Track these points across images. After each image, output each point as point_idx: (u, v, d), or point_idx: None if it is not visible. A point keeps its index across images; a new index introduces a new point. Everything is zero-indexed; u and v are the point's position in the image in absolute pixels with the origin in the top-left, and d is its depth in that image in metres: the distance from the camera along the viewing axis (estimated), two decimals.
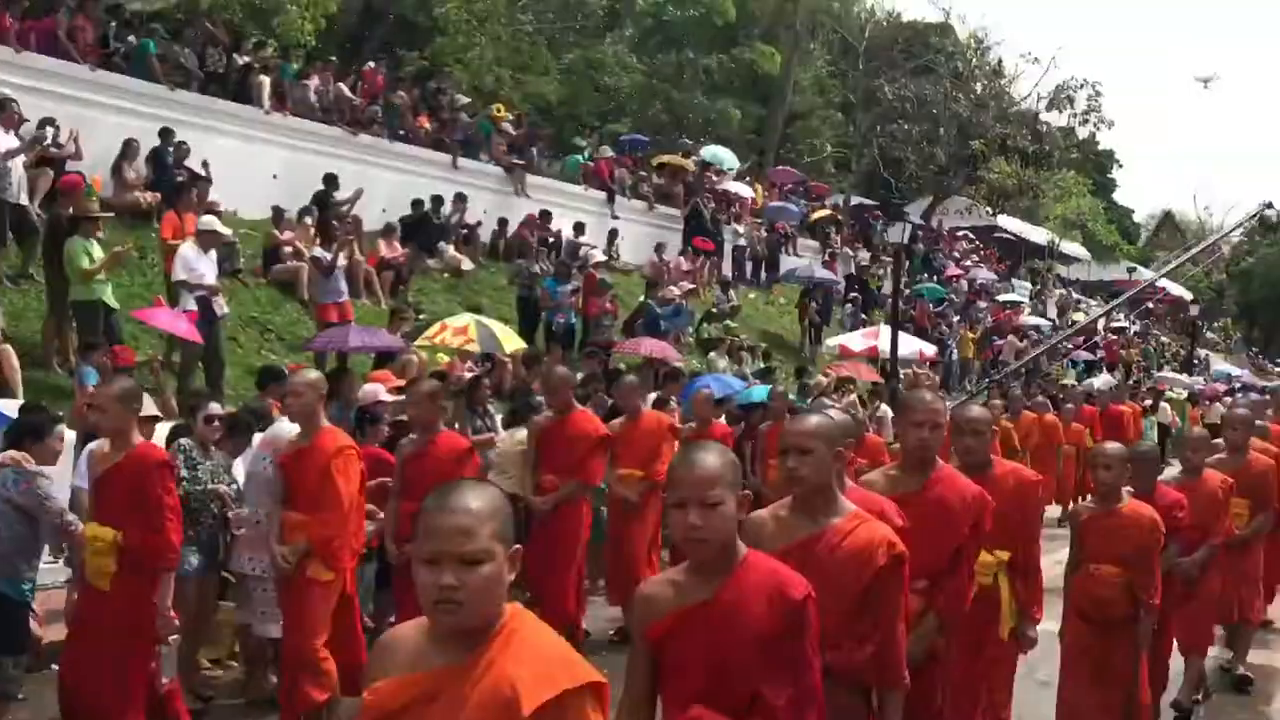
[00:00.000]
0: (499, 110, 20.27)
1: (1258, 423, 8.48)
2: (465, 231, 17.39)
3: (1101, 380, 23.72)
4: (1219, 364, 38.73)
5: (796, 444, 3.30)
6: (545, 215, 18.49)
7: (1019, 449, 10.56)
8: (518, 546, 2.19)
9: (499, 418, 10.12)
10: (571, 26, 26.74)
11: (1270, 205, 24.70)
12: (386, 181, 16.99)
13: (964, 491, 4.08)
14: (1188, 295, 52.08)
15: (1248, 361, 46.01)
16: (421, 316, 13.82)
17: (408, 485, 6.28)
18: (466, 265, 16.70)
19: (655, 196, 22.37)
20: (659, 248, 20.15)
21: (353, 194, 15.01)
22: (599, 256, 17.51)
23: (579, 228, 18.86)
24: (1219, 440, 7.37)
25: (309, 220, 14.17)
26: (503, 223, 18.15)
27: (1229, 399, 20.80)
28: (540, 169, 20.60)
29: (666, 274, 19.31)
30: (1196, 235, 67.30)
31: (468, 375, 11.25)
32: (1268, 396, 15.57)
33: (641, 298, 17.45)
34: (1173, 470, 7.44)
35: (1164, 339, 40.81)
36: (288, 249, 13.70)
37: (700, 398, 9.88)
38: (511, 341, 11.65)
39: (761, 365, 16.89)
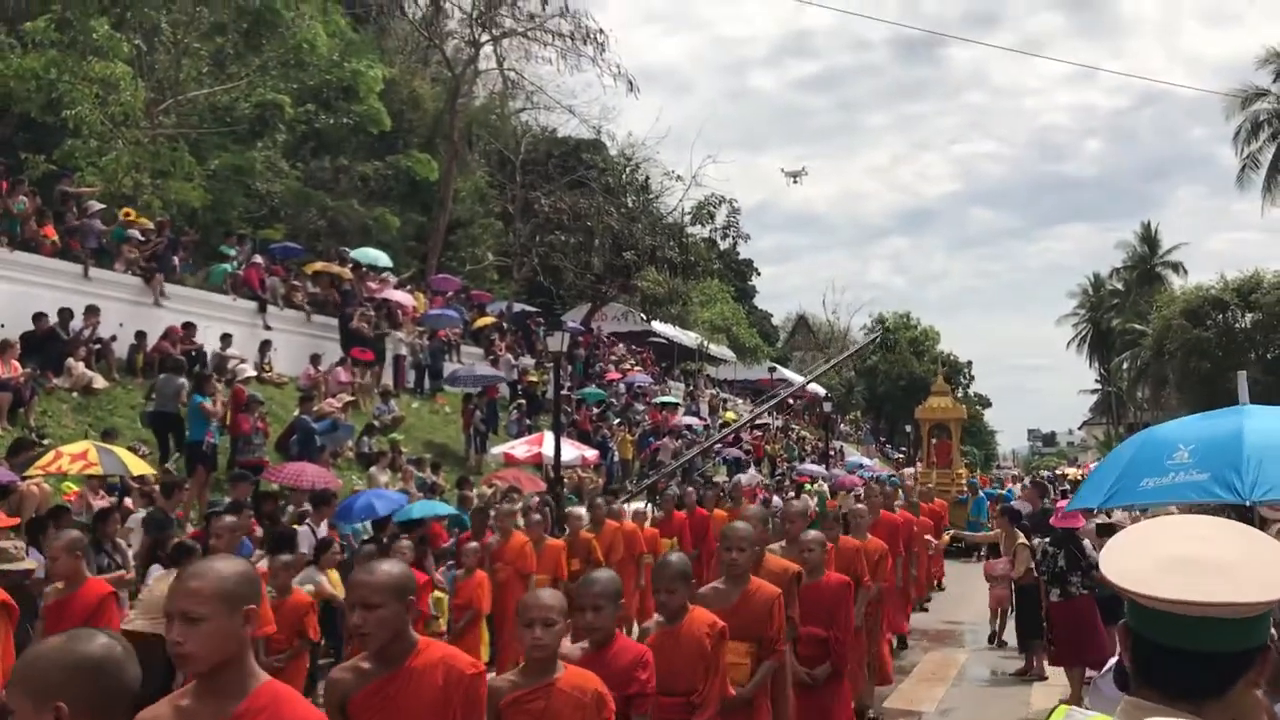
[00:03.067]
0: (131, 215, 18.99)
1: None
2: (98, 347, 16.04)
3: (748, 476, 25.19)
4: (852, 454, 42.21)
5: (363, 599, 3.31)
6: (188, 327, 17.41)
7: (601, 560, 10.68)
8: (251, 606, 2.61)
9: (130, 551, 9.28)
10: (218, 130, 25.66)
11: (883, 322, 30.22)
12: (3, 294, 15.43)
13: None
14: (822, 392, 56.77)
15: (877, 451, 50.48)
16: (46, 441, 12.54)
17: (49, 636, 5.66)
18: (99, 383, 15.37)
19: (311, 306, 21.69)
20: (315, 359, 19.47)
21: None
22: (248, 370, 16.66)
23: (226, 339, 17.90)
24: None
25: None
26: (140, 336, 16.91)
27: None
28: (183, 279, 19.46)
29: (324, 386, 18.69)
30: (826, 335, 73.96)
31: (98, 504, 10.30)
32: (890, 489, 17.51)
33: (296, 412, 16.72)
34: None
35: (803, 433, 44.02)
36: None
37: None
38: (139, 465, 10.76)
39: (429, 477, 16.57)
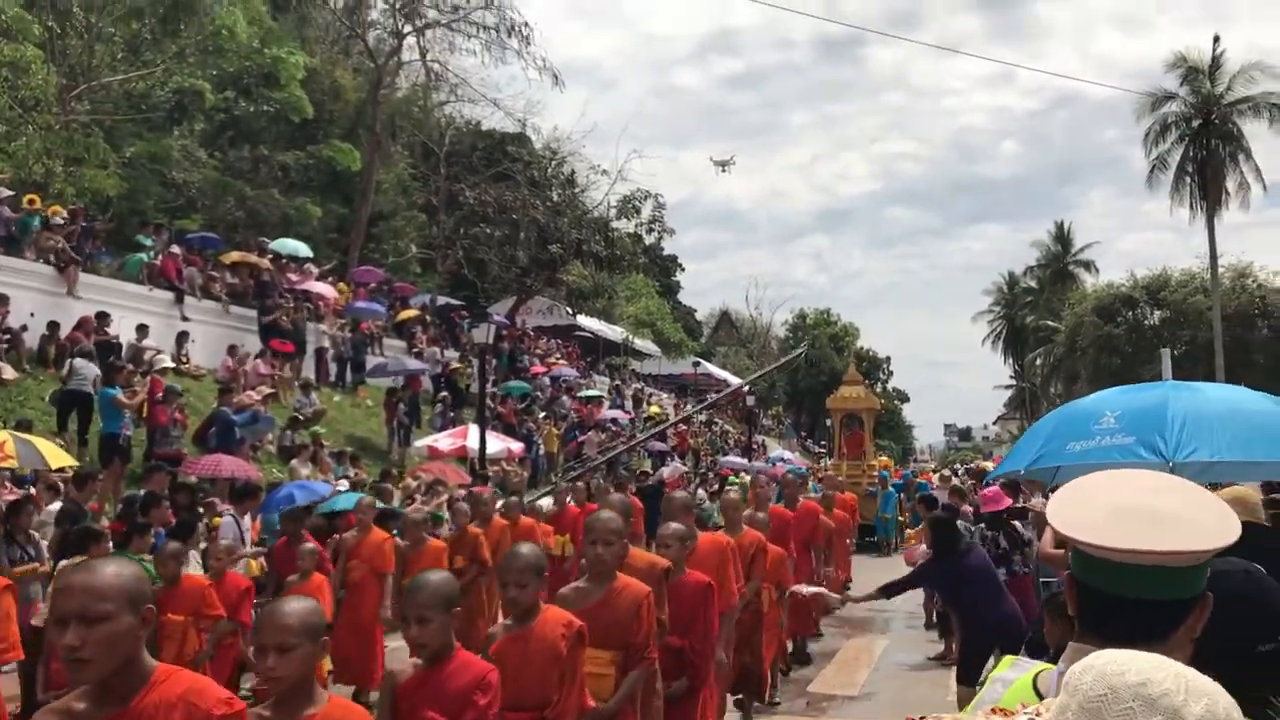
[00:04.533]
0: (36, 202, 18.45)
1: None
2: (8, 337, 15.57)
3: (670, 469, 25.32)
4: (774, 449, 42.61)
5: (276, 642, 2.94)
6: (102, 317, 16.98)
7: (487, 559, 9.89)
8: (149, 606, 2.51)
9: (44, 544, 9.05)
10: (134, 118, 25.04)
11: (809, 337, 29.58)
12: None
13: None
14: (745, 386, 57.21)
15: (798, 445, 51.03)
16: None
17: None
18: (9, 374, 14.96)
19: (229, 296, 21.31)
20: (233, 350, 19.13)
21: None
22: (166, 361, 16.31)
23: (142, 330, 17.52)
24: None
25: None
26: (53, 326, 16.45)
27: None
28: (98, 268, 18.97)
29: (243, 378, 18.37)
30: (749, 331, 74.63)
31: (7, 498, 10.01)
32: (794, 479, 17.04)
33: (215, 404, 16.42)
34: None
35: (727, 427, 44.37)
36: None
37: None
38: (59, 457, 10.51)
39: (348, 471, 16.40)
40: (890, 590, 7.95)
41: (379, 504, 11.21)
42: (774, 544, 8.31)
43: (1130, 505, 1.75)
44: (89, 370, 14.46)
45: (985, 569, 7.77)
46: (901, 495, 24.45)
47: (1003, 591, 7.78)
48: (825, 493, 15.26)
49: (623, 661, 4.58)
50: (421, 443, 20.09)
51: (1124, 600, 1.73)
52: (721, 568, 6.27)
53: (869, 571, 18.14)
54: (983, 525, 10.22)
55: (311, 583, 8.28)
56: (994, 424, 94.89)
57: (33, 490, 10.97)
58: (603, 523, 4.74)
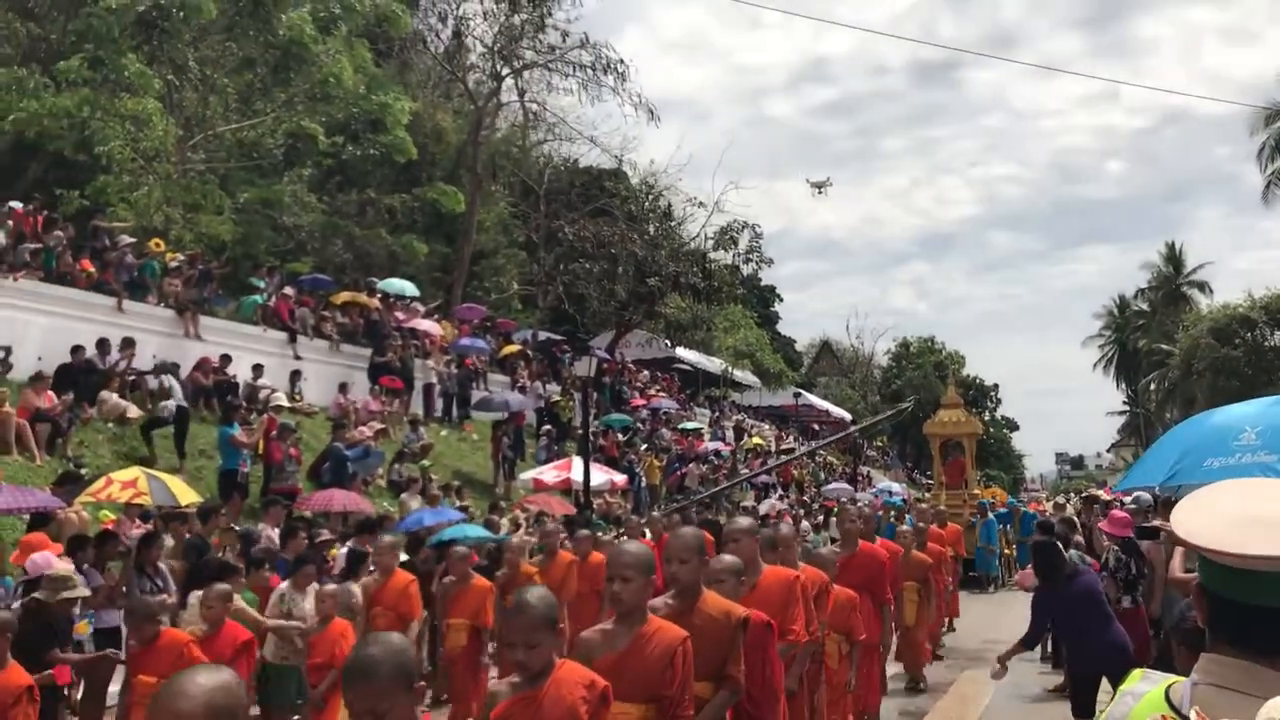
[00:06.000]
0: (161, 246, 19.26)
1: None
2: (133, 378, 16.25)
3: (767, 505, 25.10)
4: (880, 479, 41.98)
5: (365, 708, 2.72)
6: (224, 358, 17.61)
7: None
8: None
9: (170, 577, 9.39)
10: (246, 165, 26.02)
11: (912, 400, 28.12)
12: (40, 327, 15.68)
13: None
14: (848, 417, 56.62)
15: (904, 476, 50.19)
16: (84, 471, 12.72)
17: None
18: (133, 413, 15.57)
19: (339, 335, 21.89)
20: (344, 387, 19.63)
21: None
22: (280, 399, 16.84)
23: (258, 369, 18.10)
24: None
25: None
26: (174, 368, 17.08)
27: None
28: (215, 311, 19.70)
29: (353, 414, 18.83)
30: (851, 360, 73.81)
31: (136, 533, 10.42)
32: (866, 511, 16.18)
33: (328, 440, 16.87)
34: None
35: (831, 458, 43.88)
36: None
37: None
38: (187, 494, 10.91)
39: (459, 503, 16.67)
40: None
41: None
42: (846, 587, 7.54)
43: (1255, 514, 1.72)
44: (176, 389, 15.14)
45: (1090, 595, 7.54)
46: (1006, 526, 23.72)
47: (1110, 619, 7.54)
48: (917, 525, 13.90)
49: (654, 717, 3.93)
50: (526, 475, 20.28)
51: (1264, 610, 1.70)
52: (788, 606, 5.67)
53: (971, 610, 17.39)
54: (1117, 549, 9.90)
55: (332, 631, 7.60)
56: (1107, 451, 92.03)
57: (152, 525, 11.40)
58: (623, 557, 4.14)
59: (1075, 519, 15.33)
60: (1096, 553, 11.24)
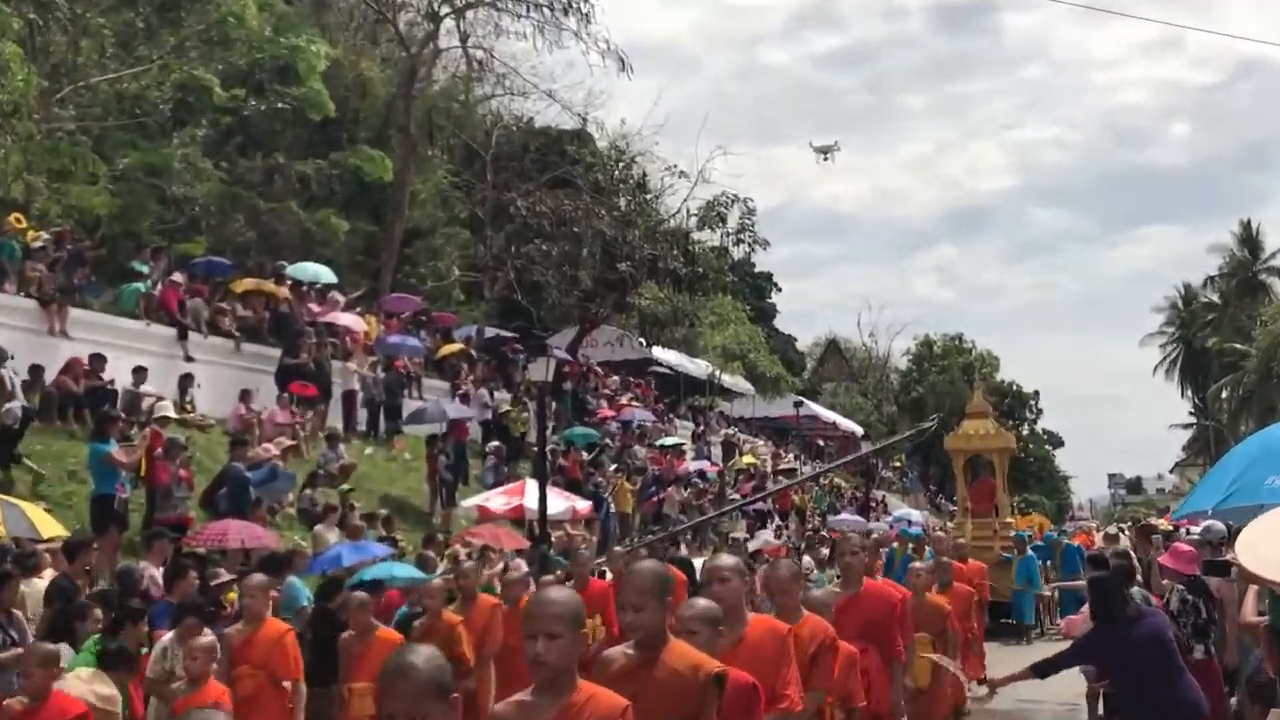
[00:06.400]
0: (21, 222, 19.04)
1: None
2: None
3: (760, 539, 25.11)
4: (897, 506, 42.13)
5: None
6: (97, 360, 17.43)
7: (466, 656, 9.54)
8: None
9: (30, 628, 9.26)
10: (126, 124, 25.78)
11: (937, 417, 27.73)
12: None
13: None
14: (859, 430, 56.81)
15: (926, 501, 50.44)
16: None
17: None
18: None
19: (240, 332, 21.73)
20: (246, 395, 19.48)
21: None
22: (167, 409, 16.64)
23: (139, 373, 17.94)
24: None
25: None
26: (36, 371, 16.91)
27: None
28: (88, 302, 19.49)
29: (258, 428, 18.71)
30: (863, 363, 74.14)
31: None
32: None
33: (226, 459, 16.73)
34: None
35: (839, 480, 44.01)
36: None
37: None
38: (50, 525, 10.75)
39: (386, 536, 16.59)
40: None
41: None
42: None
43: None
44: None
45: (1158, 640, 7.49)
46: (1046, 563, 23.69)
47: (1182, 671, 7.51)
48: (939, 559, 13.30)
49: None
50: (469, 502, 20.22)
51: None
52: (780, 665, 5.50)
53: (1003, 665, 17.07)
54: (1182, 589, 9.91)
55: (208, 692, 7.40)
56: (1170, 472, 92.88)
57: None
58: (545, 607, 3.93)
59: (1131, 553, 15.35)
60: (1156, 593, 11.26)
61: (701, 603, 5.07)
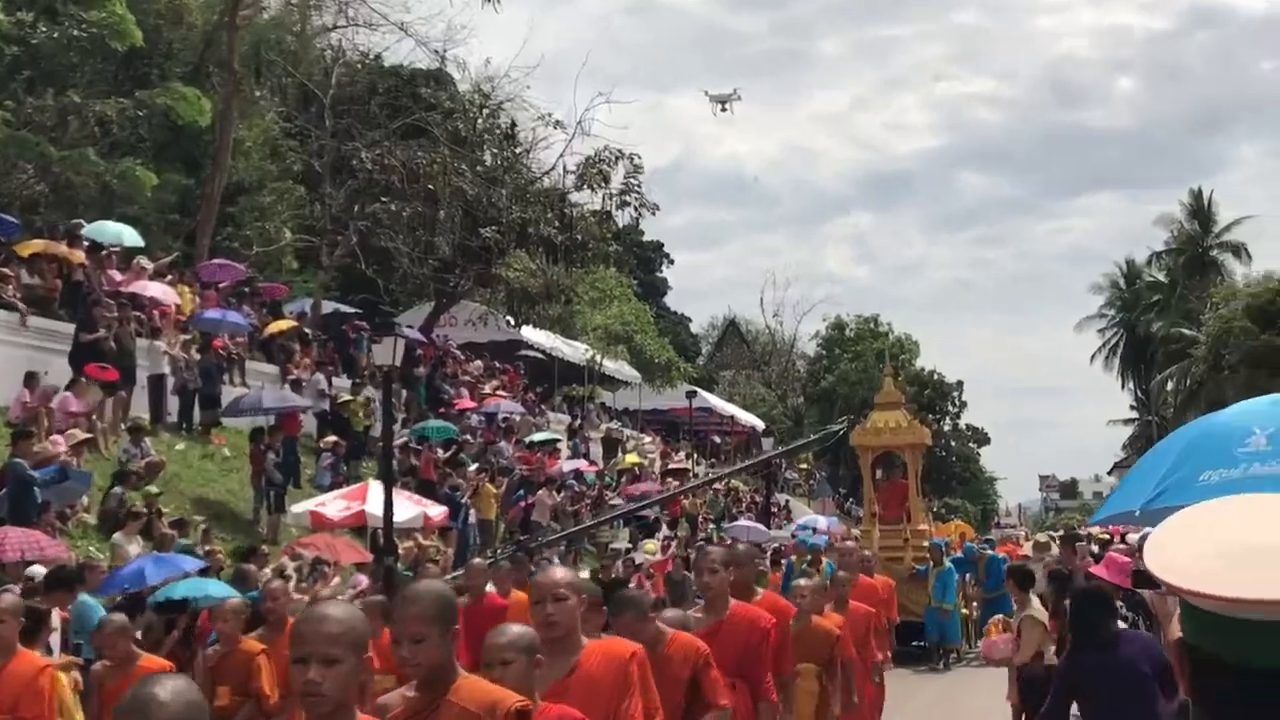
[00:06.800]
0: None
1: None
2: None
3: (642, 554, 25.24)
4: (803, 511, 42.59)
5: None
6: None
7: (266, 692, 9.43)
8: None
9: None
10: None
11: (848, 421, 27.93)
12: None
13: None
14: (760, 425, 57.37)
15: (834, 506, 51.06)
16: None
17: None
18: None
19: (26, 303, 21.23)
20: (33, 379, 19.06)
21: None
22: None
23: None
24: None
25: None
26: None
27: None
28: None
29: (47, 418, 18.31)
30: (766, 347, 74.91)
31: None
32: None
33: (6, 455, 16.36)
34: None
35: (736, 483, 44.39)
36: None
37: None
38: None
39: (200, 547, 16.41)
40: None
41: None
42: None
43: (1259, 543, 1.77)
44: None
45: (1139, 665, 7.60)
46: (968, 577, 24.14)
47: (1155, 699, 7.64)
48: (836, 574, 13.04)
49: None
50: (300, 508, 19.90)
51: (1259, 674, 1.74)
52: (621, 695, 5.46)
53: (916, 697, 17.19)
54: (1121, 604, 10.12)
55: None
56: (1109, 474, 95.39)
57: None
58: (319, 626, 3.80)
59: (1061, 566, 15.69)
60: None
61: (514, 628, 5.00)
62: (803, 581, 10.81)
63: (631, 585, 17.28)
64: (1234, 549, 1.76)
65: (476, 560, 16.59)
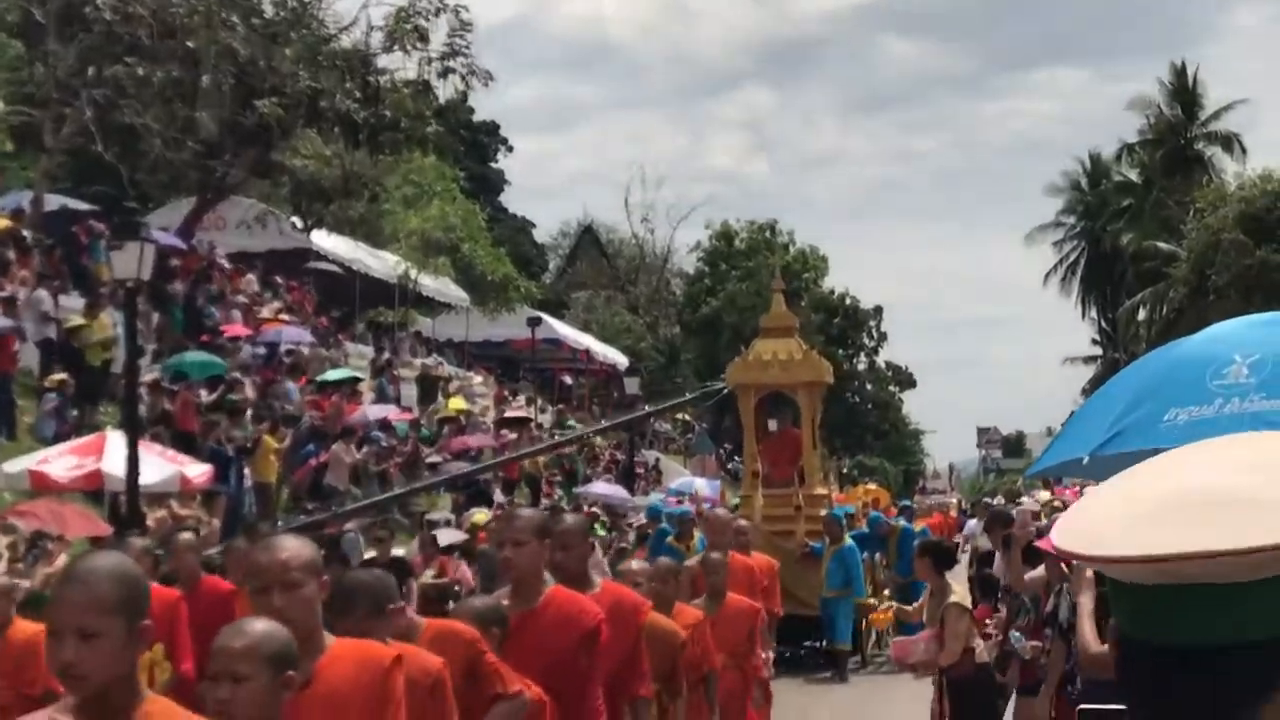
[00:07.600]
0: None
1: None
2: None
3: (449, 531, 25.16)
4: (678, 472, 42.89)
5: None
6: None
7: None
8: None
9: None
10: None
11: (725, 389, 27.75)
12: None
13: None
14: (624, 361, 57.58)
15: (716, 465, 51.48)
16: None
17: None
18: None
19: None
20: None
21: None
22: None
23: None
24: None
25: None
26: None
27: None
28: None
29: None
30: (632, 261, 75.00)
31: None
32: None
33: None
34: None
35: (595, 438, 44.54)
36: None
37: None
38: None
39: None
40: None
41: None
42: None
43: (1185, 490, 1.78)
44: None
45: None
46: (879, 557, 24.20)
47: None
48: (710, 556, 12.10)
49: None
50: (16, 465, 19.76)
51: (1171, 653, 1.75)
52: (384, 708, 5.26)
53: (805, 716, 17.15)
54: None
55: None
56: (1063, 426, 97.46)
57: None
58: (233, 639, 4.35)
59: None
60: (1015, 593, 11.65)
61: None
62: (634, 564, 10.06)
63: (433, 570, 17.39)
64: (1146, 503, 1.77)
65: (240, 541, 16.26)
